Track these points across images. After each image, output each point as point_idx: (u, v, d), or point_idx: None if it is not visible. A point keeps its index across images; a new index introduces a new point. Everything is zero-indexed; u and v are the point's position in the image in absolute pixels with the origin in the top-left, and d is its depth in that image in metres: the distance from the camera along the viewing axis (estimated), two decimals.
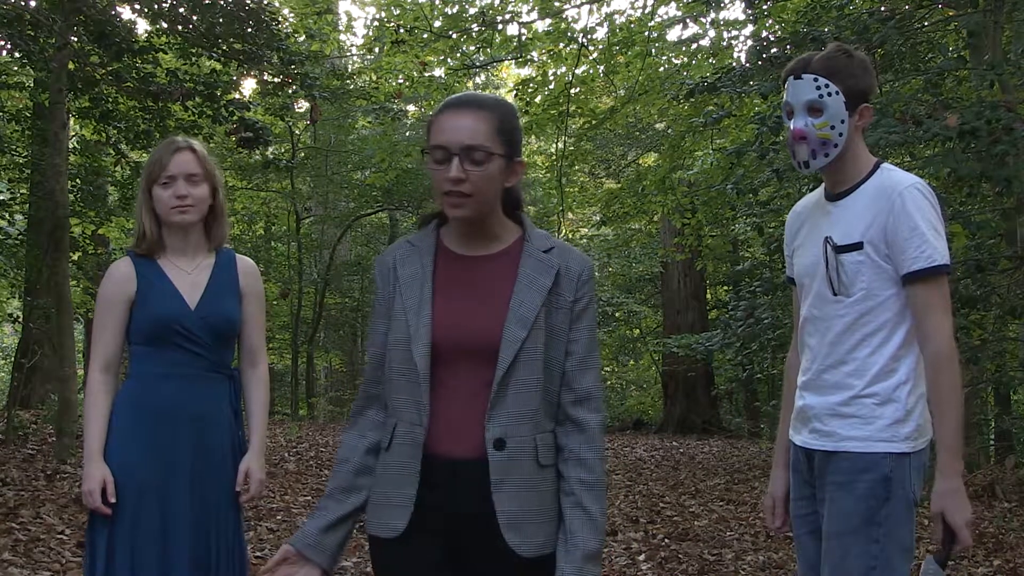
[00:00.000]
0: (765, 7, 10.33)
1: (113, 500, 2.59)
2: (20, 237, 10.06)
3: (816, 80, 2.36)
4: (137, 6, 8.64)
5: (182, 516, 2.63)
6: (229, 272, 2.83)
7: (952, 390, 2.24)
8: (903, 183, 2.31)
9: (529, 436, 1.93)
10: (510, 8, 11.91)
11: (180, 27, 8.70)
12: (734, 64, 9.69)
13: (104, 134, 9.38)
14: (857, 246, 2.32)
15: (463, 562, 1.98)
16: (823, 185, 2.53)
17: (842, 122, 2.35)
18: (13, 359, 12.09)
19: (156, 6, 8.57)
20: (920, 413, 2.31)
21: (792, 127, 2.41)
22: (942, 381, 2.24)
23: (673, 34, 19.22)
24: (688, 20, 11.67)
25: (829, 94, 2.35)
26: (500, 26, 11.82)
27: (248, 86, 12.09)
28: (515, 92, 12.84)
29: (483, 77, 19.59)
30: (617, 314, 18.82)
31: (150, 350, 2.69)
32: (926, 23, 7.98)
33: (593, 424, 1.98)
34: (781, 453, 2.62)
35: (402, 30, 11.38)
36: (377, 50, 13.46)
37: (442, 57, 12.49)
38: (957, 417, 2.24)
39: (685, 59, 12.62)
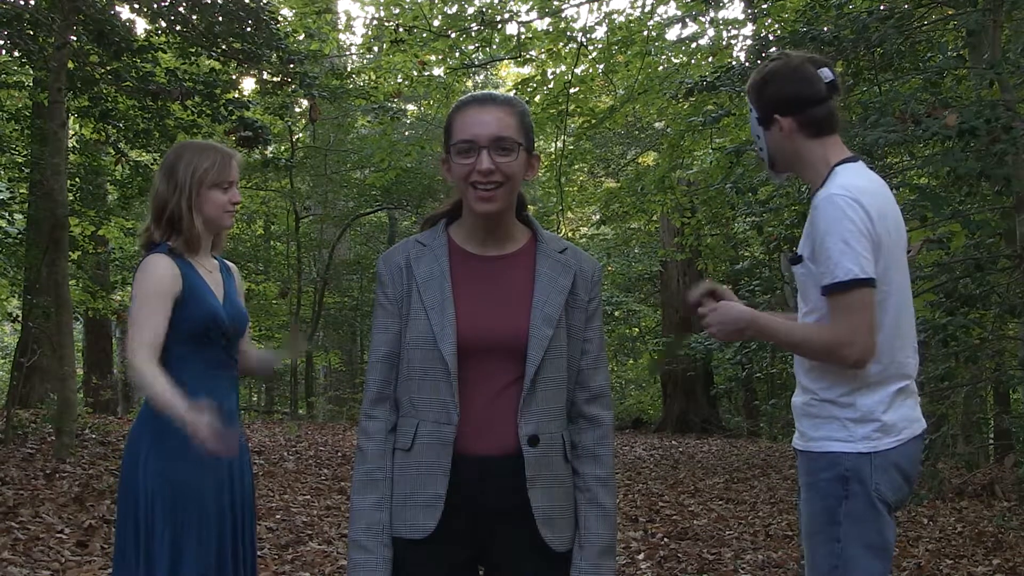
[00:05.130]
0: (764, 6, 10.34)
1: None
2: (20, 236, 10.05)
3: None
4: (136, 5, 8.64)
5: (234, 520, 2.66)
6: (230, 273, 2.89)
7: (807, 348, 2.33)
8: (821, 195, 2.31)
9: (558, 432, 1.98)
10: (509, 7, 11.91)
11: (179, 26, 8.70)
12: (733, 63, 9.69)
13: (103, 133, 9.37)
14: (799, 259, 2.36)
15: (491, 560, 1.99)
16: None
17: (759, 137, 2.48)
18: (12, 358, 12.08)
19: (155, 5, 8.57)
20: (884, 412, 2.29)
21: None
22: (815, 344, 2.30)
23: (672, 33, 19.14)
24: (687, 19, 11.66)
25: (750, 111, 2.49)
26: (499, 25, 11.82)
27: (247, 85, 12.08)
28: (514, 91, 12.83)
29: (482, 76, 19.59)
30: (616, 313, 18.81)
31: (194, 349, 2.65)
32: (925, 22, 7.98)
33: (606, 420, 2.02)
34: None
35: (401, 29, 11.37)
36: (376, 49, 13.46)
37: (441, 56, 12.48)
38: (789, 347, 2.42)
39: (684, 58, 12.62)
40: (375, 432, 1.99)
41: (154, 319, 2.58)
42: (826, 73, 2.41)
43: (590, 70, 12.70)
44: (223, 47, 8.79)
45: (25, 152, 10.16)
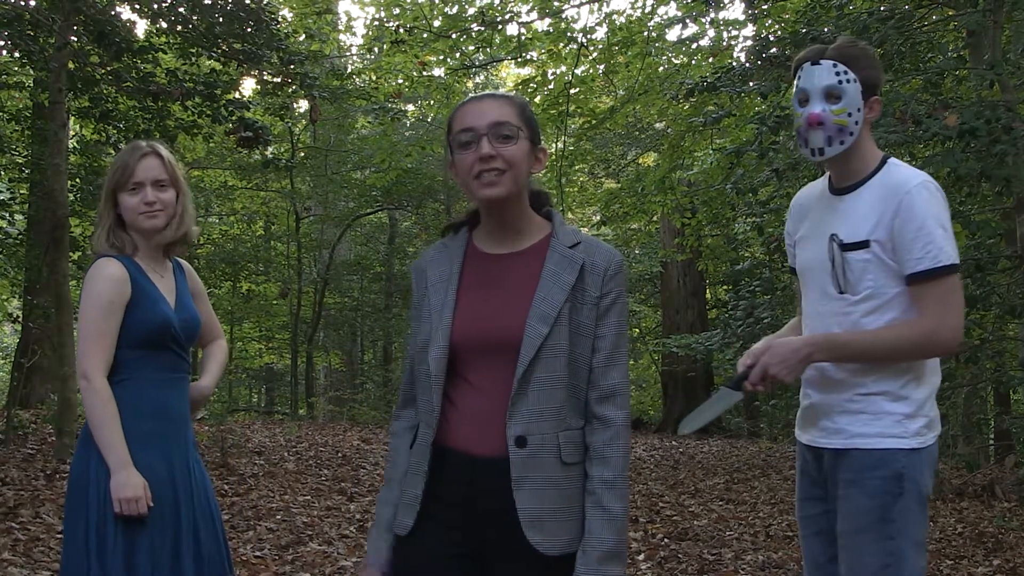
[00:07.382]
0: (765, 7, 10.33)
1: (152, 505, 2.54)
2: (20, 237, 10.06)
3: (835, 66, 2.35)
4: (137, 6, 8.65)
5: (188, 516, 2.65)
6: (182, 275, 2.88)
7: (901, 346, 2.23)
8: (911, 181, 2.28)
9: (552, 433, 1.93)
10: (510, 8, 11.92)
11: (180, 27, 8.70)
12: (734, 64, 9.69)
13: (104, 134, 9.37)
14: (863, 244, 2.30)
15: (487, 560, 1.98)
16: (827, 176, 2.50)
17: (858, 110, 2.34)
18: (13, 359, 12.09)
19: (156, 6, 8.57)
20: (930, 407, 2.30)
21: (808, 112, 2.38)
22: (912, 337, 2.22)
23: (673, 34, 19.24)
24: (688, 20, 11.68)
25: (848, 80, 2.34)
26: (500, 26, 11.82)
27: (248, 86, 12.09)
28: (515, 92, 12.83)
29: (483, 77, 19.57)
30: None
31: (146, 354, 2.65)
32: (926, 23, 7.99)
33: (618, 421, 1.96)
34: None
35: (402, 30, 11.38)
36: (377, 50, 13.48)
37: (442, 57, 12.49)
38: (873, 355, 2.26)
39: (685, 59, 12.63)
40: (398, 432, 2.10)
41: (109, 336, 2.59)
42: None
43: (590, 71, 12.71)
44: (223, 47, 8.79)
45: (26, 153, 10.17)
